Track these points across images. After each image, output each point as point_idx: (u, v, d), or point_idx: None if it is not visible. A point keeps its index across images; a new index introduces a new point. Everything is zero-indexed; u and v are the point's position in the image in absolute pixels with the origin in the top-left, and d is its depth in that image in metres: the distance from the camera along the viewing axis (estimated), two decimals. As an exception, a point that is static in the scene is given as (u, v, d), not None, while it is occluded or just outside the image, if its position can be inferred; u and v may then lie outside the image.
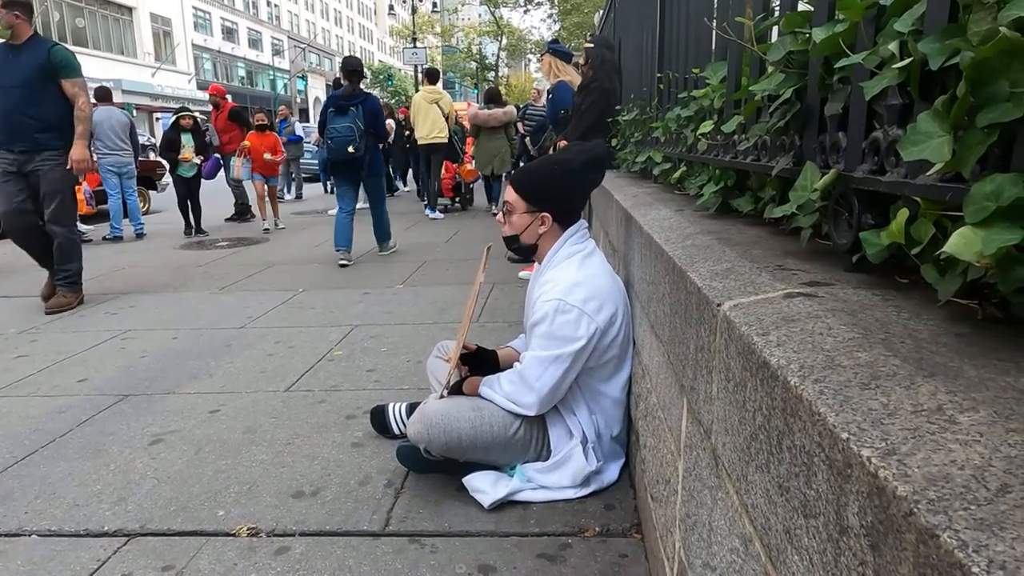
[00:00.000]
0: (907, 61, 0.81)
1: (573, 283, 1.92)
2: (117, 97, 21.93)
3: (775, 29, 1.47)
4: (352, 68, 5.52)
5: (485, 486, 1.95)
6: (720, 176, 1.70)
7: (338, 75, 6.65)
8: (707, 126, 1.72)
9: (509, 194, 2.12)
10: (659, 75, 2.80)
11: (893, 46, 0.85)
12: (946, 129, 0.70)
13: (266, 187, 8.15)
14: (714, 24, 1.83)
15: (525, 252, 2.17)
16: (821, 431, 0.56)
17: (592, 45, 4.50)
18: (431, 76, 8.88)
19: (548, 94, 6.02)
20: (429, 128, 8.42)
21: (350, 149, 5.24)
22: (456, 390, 2.11)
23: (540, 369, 1.91)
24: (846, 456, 0.51)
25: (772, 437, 0.69)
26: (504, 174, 8.85)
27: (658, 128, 2.49)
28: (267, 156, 8.05)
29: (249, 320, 4.03)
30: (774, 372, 0.69)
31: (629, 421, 2.11)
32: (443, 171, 9.06)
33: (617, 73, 4.59)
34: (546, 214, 2.05)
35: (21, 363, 3.38)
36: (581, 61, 4.59)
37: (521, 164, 13.51)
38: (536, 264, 2.21)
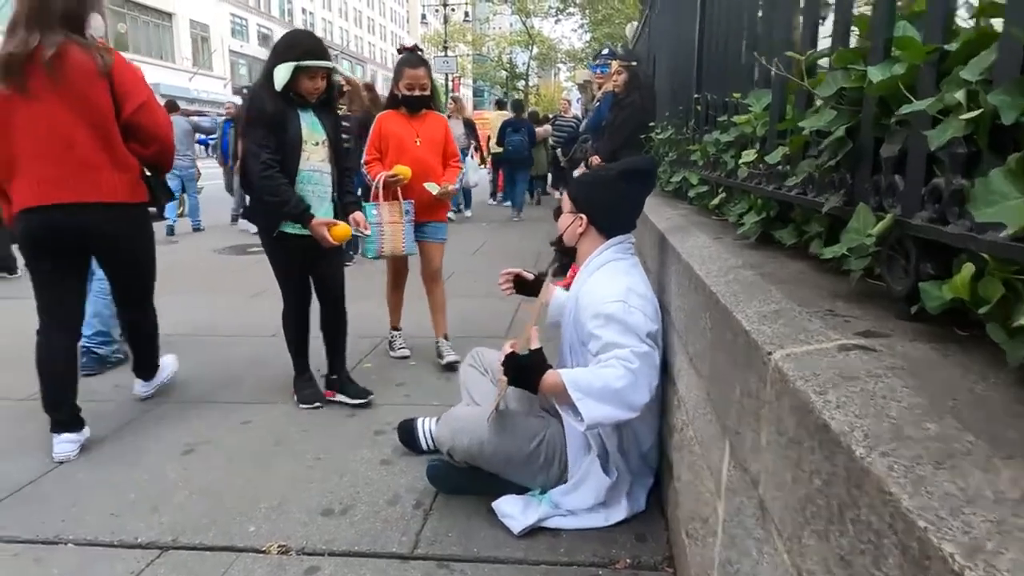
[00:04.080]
0: (976, 113, 0.78)
1: (627, 288, 1.88)
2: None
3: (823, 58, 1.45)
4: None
5: (515, 511, 1.94)
6: (762, 206, 1.67)
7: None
8: (750, 155, 1.69)
9: (563, 198, 2.21)
10: (696, 96, 2.77)
11: (960, 95, 0.82)
12: (1022, 190, 0.67)
13: None
14: (756, 54, 1.81)
15: (568, 253, 2.18)
16: (893, 513, 0.54)
17: (626, 63, 4.48)
18: (500, 105, 12.81)
19: (596, 102, 6.00)
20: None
21: None
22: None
23: (640, 361, 1.75)
24: (923, 547, 0.48)
25: (832, 505, 0.67)
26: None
27: (696, 151, 2.46)
28: None
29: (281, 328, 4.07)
30: (836, 438, 0.67)
31: (660, 446, 2.08)
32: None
33: (651, 89, 4.58)
34: (583, 216, 2.07)
35: (59, 366, 3.44)
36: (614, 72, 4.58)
37: (548, 174, 13.60)
38: (573, 274, 2.22)
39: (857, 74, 1.15)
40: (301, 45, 2.57)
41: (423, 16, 41.53)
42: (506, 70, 41.52)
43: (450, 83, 28.29)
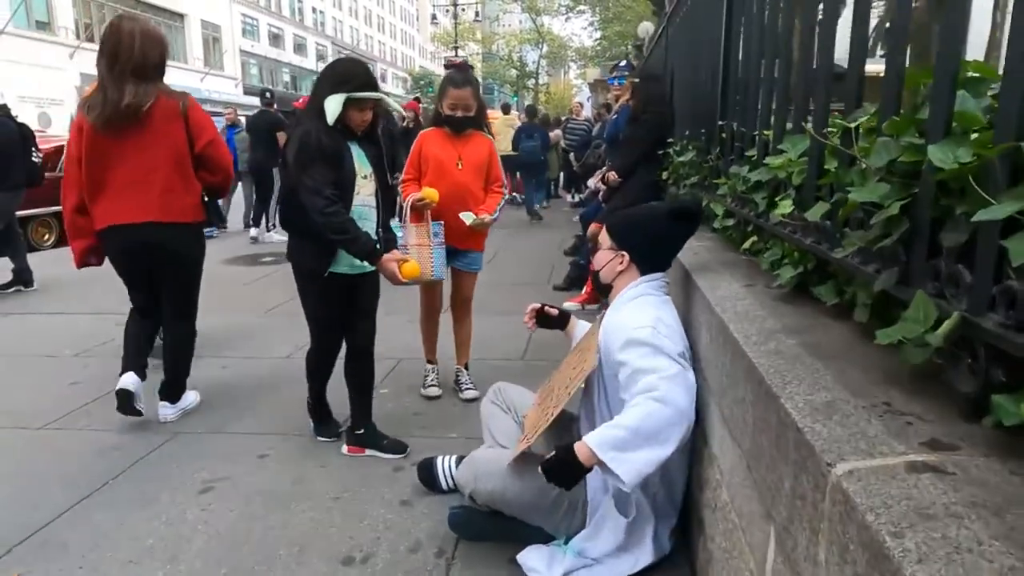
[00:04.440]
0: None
1: (656, 317, 1.84)
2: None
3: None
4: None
5: (540, 565, 1.89)
6: (799, 259, 1.61)
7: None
8: (786, 207, 1.63)
9: (602, 233, 2.17)
10: (721, 123, 2.70)
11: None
12: None
13: None
14: (793, 105, 1.74)
15: (604, 291, 2.15)
16: None
17: (638, 79, 4.41)
18: (506, 109, 12.92)
19: (613, 115, 5.91)
20: (507, 144, 11.09)
21: None
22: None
23: (669, 384, 1.65)
24: None
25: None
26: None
27: (722, 185, 2.40)
28: None
29: (296, 349, 4.02)
30: (922, 605, 0.61)
31: (688, 487, 2.02)
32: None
33: (668, 104, 4.50)
34: (624, 254, 2.03)
35: (75, 391, 3.44)
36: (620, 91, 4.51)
37: (561, 176, 13.55)
38: (589, 297, 2.18)
39: (912, 148, 1.09)
40: (357, 77, 2.45)
41: (433, 16, 41.50)
42: (516, 68, 41.42)
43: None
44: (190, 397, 3.17)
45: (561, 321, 2.41)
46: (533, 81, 40.48)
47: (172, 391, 3.08)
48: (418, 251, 2.94)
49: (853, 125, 1.22)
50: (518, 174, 11.39)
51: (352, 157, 2.51)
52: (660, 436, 1.60)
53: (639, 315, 1.86)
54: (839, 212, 1.30)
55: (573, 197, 12.24)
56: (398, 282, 2.47)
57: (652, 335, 1.76)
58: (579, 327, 2.41)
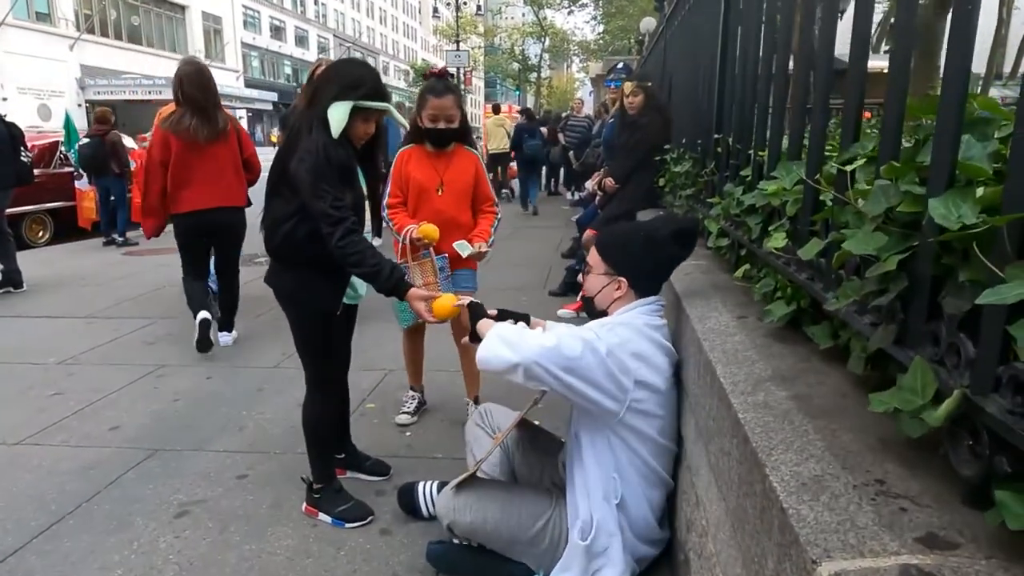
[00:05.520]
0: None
1: (620, 342, 1.75)
2: (167, 94, 22.46)
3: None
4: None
5: (518, 605, 1.82)
6: (792, 295, 1.53)
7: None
8: (779, 240, 1.54)
9: (592, 254, 2.02)
10: (716, 137, 2.61)
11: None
12: None
13: None
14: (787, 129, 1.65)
15: (596, 316, 2.01)
16: None
17: (641, 85, 4.31)
18: (496, 109, 13.43)
19: (610, 119, 5.80)
20: (497, 143, 12.25)
21: None
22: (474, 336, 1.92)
23: (572, 339, 1.69)
24: None
25: None
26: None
27: (716, 204, 2.31)
28: None
29: (284, 357, 3.95)
30: None
31: (671, 527, 1.94)
32: (508, 172, 13.02)
33: (665, 109, 4.41)
34: (623, 279, 1.91)
35: (56, 403, 3.37)
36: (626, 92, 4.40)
37: (561, 172, 13.45)
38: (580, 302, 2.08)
39: (911, 196, 1.00)
40: (366, 83, 2.10)
41: (435, 9, 41.26)
42: (518, 62, 41.18)
43: (462, 76, 28.07)
44: (236, 332, 4.36)
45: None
46: (535, 75, 40.22)
47: (228, 323, 4.31)
48: (426, 291, 2.66)
49: (849, 169, 1.13)
50: (512, 166, 12.52)
51: (359, 176, 2.24)
52: (519, 348, 1.67)
53: (601, 330, 1.77)
54: (834, 255, 1.22)
55: (573, 195, 12.15)
56: (430, 322, 2.14)
57: (592, 338, 1.70)
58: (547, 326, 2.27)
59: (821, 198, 1.41)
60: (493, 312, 2.02)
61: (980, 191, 0.87)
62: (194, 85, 3.79)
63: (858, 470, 0.95)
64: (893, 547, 0.77)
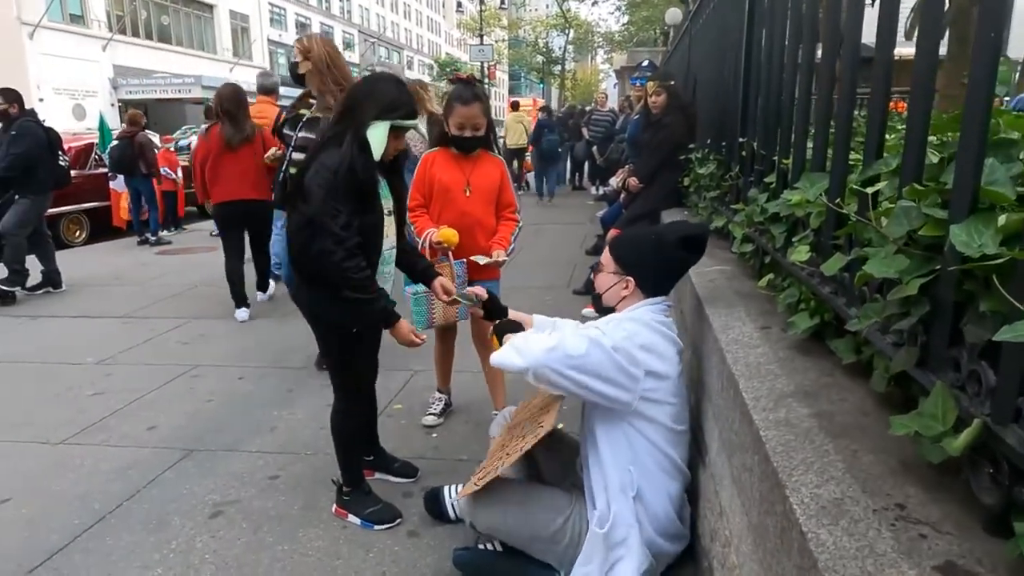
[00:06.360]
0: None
1: (626, 335, 1.80)
2: (196, 92, 22.78)
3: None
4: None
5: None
6: (816, 308, 1.53)
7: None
8: (803, 252, 1.54)
9: (604, 253, 2.10)
10: (742, 140, 2.60)
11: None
12: None
13: None
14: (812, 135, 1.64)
15: (605, 313, 2.07)
16: None
17: (664, 84, 4.28)
18: (515, 106, 13.78)
19: (635, 115, 5.79)
20: (516, 138, 12.86)
21: None
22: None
23: (577, 338, 1.76)
24: None
25: None
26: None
27: (741, 211, 2.30)
28: None
29: (311, 357, 4.03)
30: None
31: (693, 531, 1.96)
32: (524, 165, 13.76)
33: (690, 108, 4.38)
34: (630, 279, 1.97)
35: (95, 403, 3.49)
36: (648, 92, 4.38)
37: (585, 167, 13.40)
38: None
39: (933, 220, 1.00)
40: (404, 105, 2.16)
41: (459, 3, 41.24)
42: (542, 55, 40.99)
43: (486, 70, 28.08)
44: (271, 289, 5.53)
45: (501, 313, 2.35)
46: (559, 68, 40.02)
47: (263, 284, 5.44)
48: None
49: (870, 192, 1.13)
50: (528, 159, 13.21)
51: (380, 195, 2.26)
52: (525, 354, 1.77)
53: (607, 326, 1.83)
54: (856, 275, 1.22)
55: (597, 189, 12.11)
56: (416, 347, 2.28)
57: (597, 335, 1.76)
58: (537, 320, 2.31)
59: (844, 211, 1.40)
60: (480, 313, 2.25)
61: (1003, 219, 0.87)
62: (232, 102, 4.76)
63: (879, 494, 0.96)
64: (910, 573, 0.78)
